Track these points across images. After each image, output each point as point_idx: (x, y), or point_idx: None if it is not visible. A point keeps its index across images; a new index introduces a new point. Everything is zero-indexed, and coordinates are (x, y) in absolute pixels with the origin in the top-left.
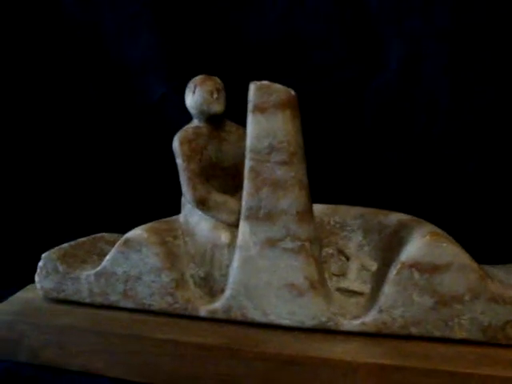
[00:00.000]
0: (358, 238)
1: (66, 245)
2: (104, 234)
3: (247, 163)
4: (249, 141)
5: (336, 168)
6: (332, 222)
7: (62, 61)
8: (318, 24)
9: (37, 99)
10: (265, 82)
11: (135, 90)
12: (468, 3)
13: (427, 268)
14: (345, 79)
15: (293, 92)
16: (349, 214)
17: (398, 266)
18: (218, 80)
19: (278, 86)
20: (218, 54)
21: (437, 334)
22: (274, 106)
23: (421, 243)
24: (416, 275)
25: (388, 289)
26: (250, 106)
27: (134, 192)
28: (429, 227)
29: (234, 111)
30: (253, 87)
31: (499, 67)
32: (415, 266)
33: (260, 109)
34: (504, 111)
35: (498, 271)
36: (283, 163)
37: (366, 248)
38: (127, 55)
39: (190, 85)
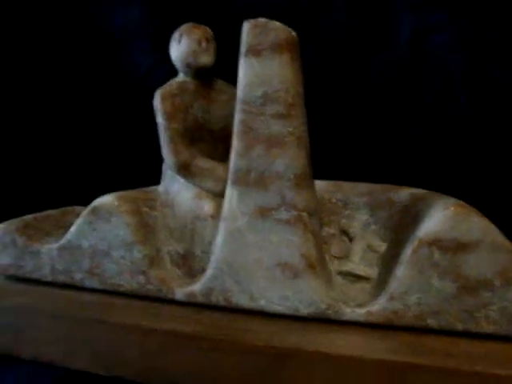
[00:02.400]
0: (363, 216)
1: (29, 216)
2: (76, 206)
3: (237, 116)
4: (240, 89)
5: (338, 144)
6: (334, 200)
7: (45, 28)
8: None
9: (18, 72)
10: (261, 20)
11: (122, 60)
12: None
13: (450, 246)
14: (349, 52)
15: (293, 32)
16: (353, 190)
17: (415, 243)
18: (208, 29)
19: (276, 23)
20: (211, 25)
21: (459, 326)
22: (271, 48)
23: (443, 216)
24: (436, 255)
25: (401, 271)
26: (242, 49)
27: (118, 167)
28: (451, 199)
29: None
30: (247, 26)
31: None
32: (436, 243)
33: (254, 51)
34: None
35: None
36: (279, 116)
37: (373, 227)
38: (114, 23)
39: (176, 34)
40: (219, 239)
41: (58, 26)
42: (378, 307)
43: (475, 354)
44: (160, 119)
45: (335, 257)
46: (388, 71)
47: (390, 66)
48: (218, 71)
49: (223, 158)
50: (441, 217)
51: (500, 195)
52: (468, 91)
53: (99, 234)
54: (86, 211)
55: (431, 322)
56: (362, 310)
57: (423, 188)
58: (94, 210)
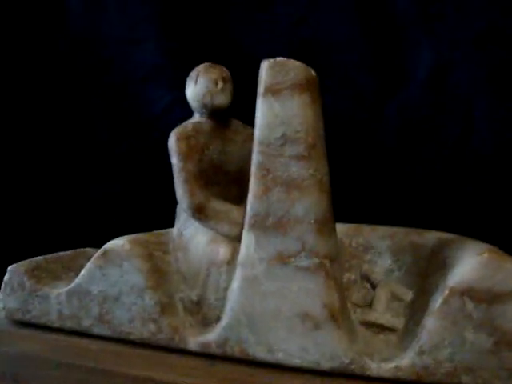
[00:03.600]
0: (386, 261)
1: (40, 257)
2: (88, 248)
3: (255, 158)
4: (258, 130)
5: (356, 188)
6: (354, 244)
7: (64, 67)
8: (337, 30)
9: (37, 108)
10: (280, 59)
11: (139, 99)
12: (504, 4)
13: (485, 296)
14: (366, 91)
15: (313, 72)
16: (374, 234)
17: (446, 292)
18: (225, 69)
19: (295, 62)
20: (226, 64)
21: None
22: (290, 88)
23: (476, 263)
24: (469, 305)
25: (431, 323)
26: (260, 89)
27: (133, 206)
28: (483, 244)
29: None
30: (265, 65)
31: None
32: (468, 292)
33: (273, 91)
34: None
35: None
36: (299, 158)
37: (397, 273)
38: (131, 63)
39: (192, 74)
40: (235, 286)
41: (74, 66)
42: (406, 362)
43: None
44: (175, 160)
45: (357, 305)
46: (406, 110)
47: (408, 104)
48: (234, 112)
49: (237, 200)
50: (473, 264)
51: None
52: (491, 128)
53: (110, 278)
54: (96, 255)
55: (466, 380)
56: (390, 365)
57: (448, 232)
58: (105, 254)
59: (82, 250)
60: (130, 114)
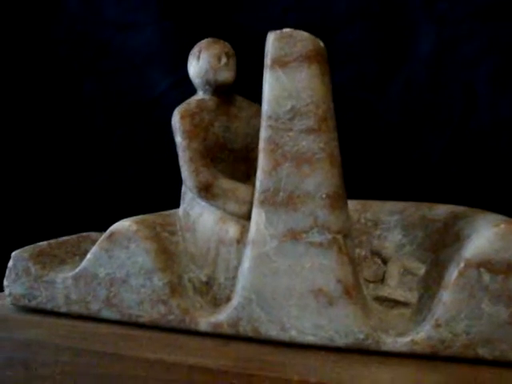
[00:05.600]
0: (396, 236)
1: (43, 243)
2: (92, 232)
3: (263, 133)
4: (265, 104)
5: (359, 167)
6: (363, 220)
7: (61, 51)
8: (337, 9)
9: (31, 94)
10: (286, 30)
11: (136, 84)
12: None
13: (502, 267)
14: (368, 70)
15: (321, 43)
16: (383, 209)
17: (461, 265)
18: (228, 44)
19: (303, 33)
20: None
21: None
22: (299, 60)
23: (492, 234)
24: (486, 277)
25: (447, 296)
26: (267, 61)
27: (133, 190)
28: (498, 216)
29: None
30: (272, 36)
31: None
32: (485, 264)
33: (280, 63)
34: None
35: None
36: (310, 131)
37: (408, 248)
38: (129, 47)
39: (194, 50)
40: (246, 265)
41: (71, 50)
42: (422, 336)
43: None
44: (179, 138)
45: (368, 281)
46: (409, 88)
47: (410, 82)
48: (238, 88)
49: (244, 179)
50: (489, 235)
51: None
52: (494, 107)
53: (117, 261)
54: (102, 237)
55: (483, 352)
56: (406, 339)
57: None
58: (111, 236)
59: (85, 234)
60: (128, 98)
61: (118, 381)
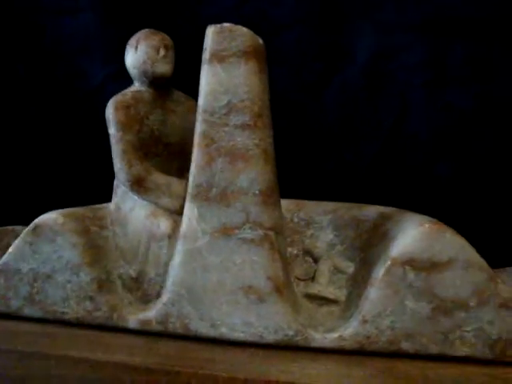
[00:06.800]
0: (327, 236)
1: None
2: (17, 226)
3: (198, 127)
4: (201, 98)
5: (293, 168)
6: (296, 219)
7: None
8: (279, 10)
9: None
10: (226, 24)
11: (73, 72)
12: None
13: (424, 265)
14: (305, 72)
15: (260, 40)
16: (316, 209)
17: (388, 263)
18: (167, 36)
19: (242, 29)
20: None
21: (434, 350)
22: (237, 55)
23: (417, 234)
24: (410, 275)
25: (373, 293)
26: (205, 55)
27: (63, 183)
28: (423, 217)
29: None
30: (211, 30)
31: (475, 61)
32: (410, 262)
33: (219, 57)
34: (479, 109)
35: (499, 274)
36: (245, 127)
37: (339, 247)
38: (65, 34)
39: (132, 40)
40: (176, 260)
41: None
42: (350, 332)
43: (454, 379)
44: (112, 130)
45: (299, 279)
46: (345, 93)
47: (346, 87)
48: (175, 82)
49: (178, 174)
50: (414, 234)
51: (463, 212)
52: (426, 115)
53: (41, 255)
54: (26, 230)
55: (405, 346)
56: (333, 336)
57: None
58: (36, 229)
59: (8, 227)
60: (63, 86)
61: (40, 382)
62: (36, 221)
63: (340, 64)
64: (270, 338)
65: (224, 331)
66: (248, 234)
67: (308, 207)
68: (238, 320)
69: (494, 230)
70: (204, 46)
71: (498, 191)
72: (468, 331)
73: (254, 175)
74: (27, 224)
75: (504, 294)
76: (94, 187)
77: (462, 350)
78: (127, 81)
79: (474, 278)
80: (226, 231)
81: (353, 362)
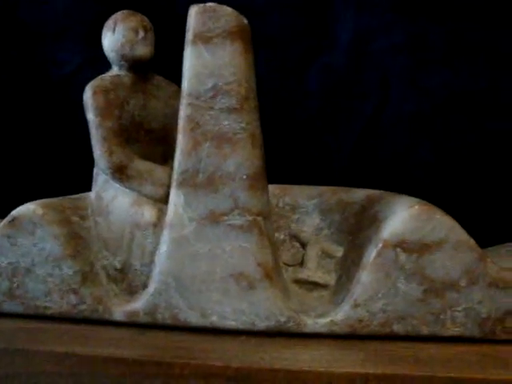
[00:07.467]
0: (314, 220)
1: None
2: None
3: (183, 111)
4: (186, 81)
5: (275, 152)
6: (281, 204)
7: None
8: None
9: None
10: (210, 4)
11: (47, 58)
12: None
13: (416, 247)
14: (286, 55)
15: (245, 20)
16: (301, 193)
17: (380, 245)
18: (146, 18)
19: (227, 9)
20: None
21: (425, 331)
22: (222, 35)
23: (407, 216)
24: (402, 257)
25: (365, 276)
26: (188, 36)
27: (40, 173)
28: (413, 198)
29: None
30: (194, 10)
31: (457, 45)
32: (401, 244)
33: (202, 38)
34: (460, 95)
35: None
36: (231, 110)
37: (326, 231)
38: (39, 19)
39: (109, 22)
40: (163, 249)
41: None
42: (341, 316)
43: (445, 358)
44: (91, 115)
45: (287, 264)
46: (327, 76)
47: (329, 70)
48: (156, 67)
49: (162, 161)
50: (405, 216)
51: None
52: (406, 98)
53: (20, 249)
54: (3, 223)
55: (397, 328)
56: (325, 320)
57: None
58: (14, 221)
59: None
60: (37, 73)
61: (23, 379)
62: (13, 213)
63: (322, 46)
64: (261, 325)
65: (215, 320)
66: (237, 220)
67: (293, 192)
68: (229, 308)
69: (480, 210)
70: (187, 27)
71: (481, 173)
72: (459, 311)
73: (241, 159)
74: (3, 216)
75: (493, 273)
76: (72, 176)
77: (453, 330)
78: (105, 66)
79: (464, 259)
80: (213, 218)
81: (345, 345)
